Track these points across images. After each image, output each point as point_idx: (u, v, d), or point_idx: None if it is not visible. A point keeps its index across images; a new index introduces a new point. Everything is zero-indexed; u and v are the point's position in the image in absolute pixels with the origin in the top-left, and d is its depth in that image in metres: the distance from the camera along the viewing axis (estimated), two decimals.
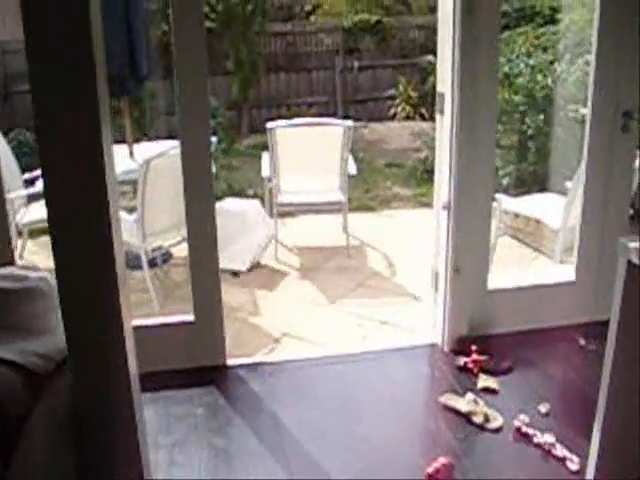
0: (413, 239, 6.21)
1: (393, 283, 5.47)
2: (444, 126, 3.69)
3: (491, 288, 4.06)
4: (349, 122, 5.44)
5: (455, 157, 3.60)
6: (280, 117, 12.44)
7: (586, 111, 4.00)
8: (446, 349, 4.02)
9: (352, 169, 5.80)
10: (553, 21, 9.20)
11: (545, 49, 8.04)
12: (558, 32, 8.40)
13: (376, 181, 8.30)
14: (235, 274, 5.51)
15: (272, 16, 15.54)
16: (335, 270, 5.69)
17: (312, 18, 15.86)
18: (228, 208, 5.68)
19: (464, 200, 3.70)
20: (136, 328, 2.27)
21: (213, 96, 12.92)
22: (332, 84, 13.49)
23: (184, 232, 4.17)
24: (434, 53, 11.97)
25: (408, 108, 12.69)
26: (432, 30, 13.76)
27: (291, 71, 13.39)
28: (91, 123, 1.83)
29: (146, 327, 3.81)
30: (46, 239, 2.12)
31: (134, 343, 2.19)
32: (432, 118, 13.05)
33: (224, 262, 4.07)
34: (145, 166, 4.69)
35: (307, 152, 5.60)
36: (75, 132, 1.83)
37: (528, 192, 6.50)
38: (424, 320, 4.33)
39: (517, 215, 5.07)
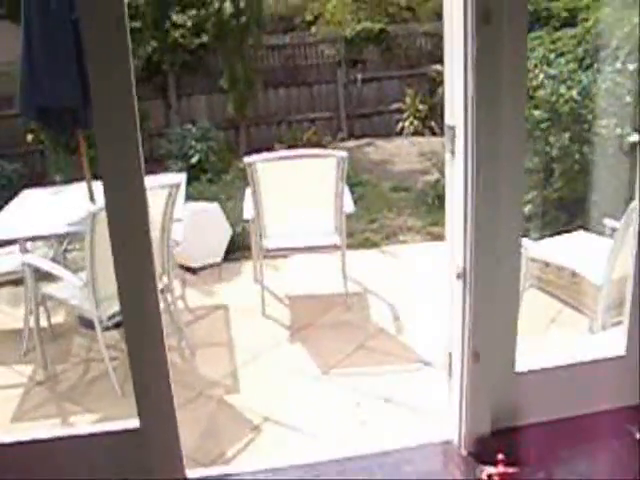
0: (422, 283, 5.36)
1: (399, 343, 4.61)
2: (455, 172, 2.83)
3: (519, 370, 3.18)
4: (343, 153, 4.58)
5: (471, 215, 2.74)
6: (279, 140, 11.83)
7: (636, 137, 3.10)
8: (464, 451, 3.14)
9: (349, 206, 4.94)
10: (571, 23, 8.36)
11: (562, 54, 7.12)
12: (578, 35, 7.55)
13: (381, 209, 7.43)
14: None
15: (271, 28, 14.77)
16: (331, 327, 4.84)
17: (313, 29, 15.05)
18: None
19: (483, 266, 2.83)
20: None
21: (205, 116, 12.17)
22: (335, 98, 12.66)
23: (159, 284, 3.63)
24: (442, 62, 11.08)
25: (416, 122, 11.84)
26: (440, 37, 12.98)
27: (291, 86, 12.59)
28: None
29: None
30: None
31: None
32: (442, 132, 12.29)
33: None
34: (91, 217, 3.85)
35: (295, 189, 4.77)
36: None
37: (553, 225, 5.63)
38: (435, 395, 3.45)
39: (547, 264, 4.15)
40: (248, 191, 4.91)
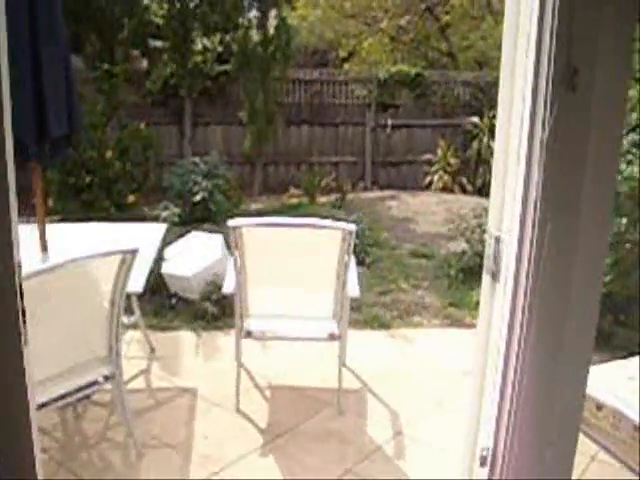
0: (436, 384, 4.42)
1: (397, 471, 3.63)
2: (496, 305, 1.89)
3: None
4: (350, 226, 3.64)
5: (516, 381, 1.79)
6: (294, 183, 10.95)
7: None
8: None
9: (353, 288, 3.99)
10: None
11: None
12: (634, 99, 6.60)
13: (396, 278, 6.48)
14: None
15: (302, 61, 13.98)
16: (316, 437, 3.87)
17: (345, 66, 14.25)
18: None
19: (519, 449, 1.88)
20: None
21: (220, 149, 11.32)
22: (361, 142, 11.83)
23: (93, 374, 3.36)
24: (481, 115, 10.16)
25: (446, 177, 10.96)
26: (479, 88, 12.14)
27: (315, 125, 11.78)
28: None
29: None
30: None
31: None
32: (475, 191, 11.38)
33: None
34: None
35: (288, 263, 3.85)
36: None
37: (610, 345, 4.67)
38: None
39: (600, 407, 3.11)
40: (230, 261, 3.99)
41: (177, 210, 8.30)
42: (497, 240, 1.85)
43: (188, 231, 6.35)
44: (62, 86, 3.68)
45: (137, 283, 3.52)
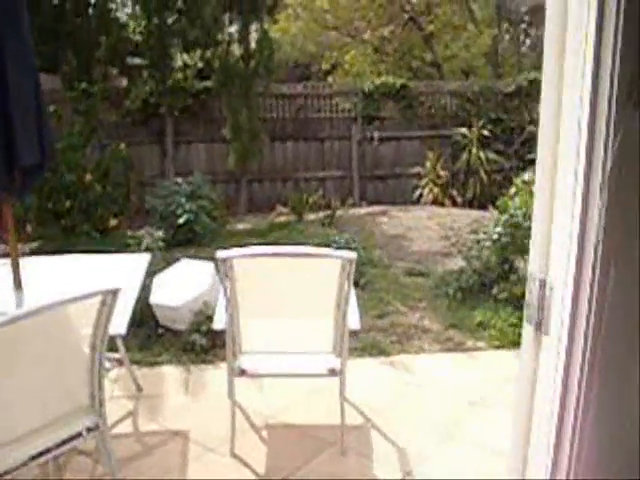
0: (441, 414, 4.15)
1: None
2: (543, 362, 1.60)
3: None
4: (351, 254, 3.35)
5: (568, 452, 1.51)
6: (280, 200, 10.61)
7: None
8: None
9: (354, 320, 3.71)
10: None
11: None
12: None
13: (392, 299, 6.19)
14: None
15: (284, 75, 13.72)
16: None
17: (329, 79, 14.00)
18: None
19: None
20: None
21: (204, 168, 11.01)
22: (348, 156, 11.58)
23: (75, 426, 3.01)
24: (469, 126, 9.89)
25: (436, 190, 10.73)
26: (466, 98, 11.89)
27: (300, 140, 11.53)
28: None
29: None
30: None
31: None
32: (466, 203, 11.13)
33: None
34: None
35: (283, 295, 3.56)
36: None
37: None
38: None
39: None
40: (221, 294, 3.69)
41: (161, 234, 7.99)
42: (542, 284, 1.56)
43: (175, 259, 6.05)
44: (32, 113, 3.38)
45: (120, 325, 3.21)
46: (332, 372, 3.69)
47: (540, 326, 1.56)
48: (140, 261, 4.19)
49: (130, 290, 3.59)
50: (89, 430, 3.18)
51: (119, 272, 4.03)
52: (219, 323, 3.68)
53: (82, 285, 3.04)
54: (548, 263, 1.54)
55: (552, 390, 1.54)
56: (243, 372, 3.70)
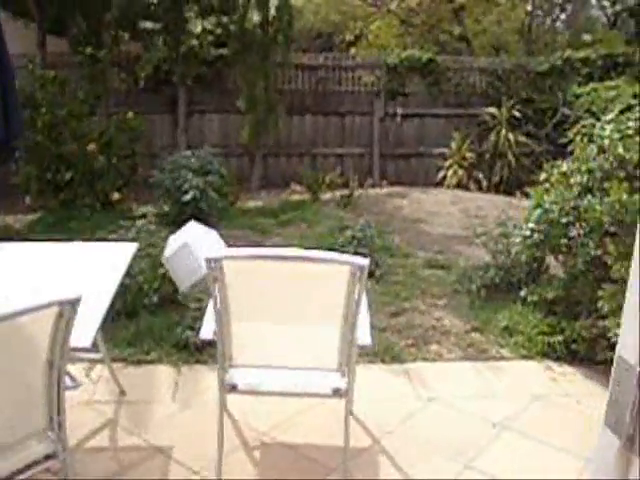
0: (464, 439, 3.66)
1: None
2: None
3: None
4: (362, 261, 2.84)
5: None
6: (296, 178, 10.07)
7: None
8: None
9: (364, 335, 3.19)
10: None
11: None
12: None
13: (409, 295, 5.67)
14: None
15: (305, 45, 13.13)
16: None
17: (352, 50, 13.38)
18: None
19: None
20: None
21: (217, 139, 10.49)
22: (369, 133, 11.04)
23: (30, 453, 2.59)
24: (499, 105, 9.22)
25: (461, 172, 10.16)
26: (496, 75, 11.26)
27: (319, 114, 11.00)
28: None
29: None
30: None
31: None
32: (491, 188, 10.53)
33: None
34: None
35: (281, 304, 3.05)
36: None
37: None
38: None
39: None
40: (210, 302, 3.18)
41: (166, 209, 7.54)
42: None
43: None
44: None
45: (84, 336, 2.71)
46: (336, 392, 3.20)
47: (632, 444, 1.03)
48: (125, 252, 3.69)
49: (104, 293, 3.09)
50: (47, 457, 2.72)
51: (97, 267, 3.54)
52: (207, 333, 3.18)
53: (49, 284, 2.56)
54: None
55: None
56: (234, 388, 3.21)
